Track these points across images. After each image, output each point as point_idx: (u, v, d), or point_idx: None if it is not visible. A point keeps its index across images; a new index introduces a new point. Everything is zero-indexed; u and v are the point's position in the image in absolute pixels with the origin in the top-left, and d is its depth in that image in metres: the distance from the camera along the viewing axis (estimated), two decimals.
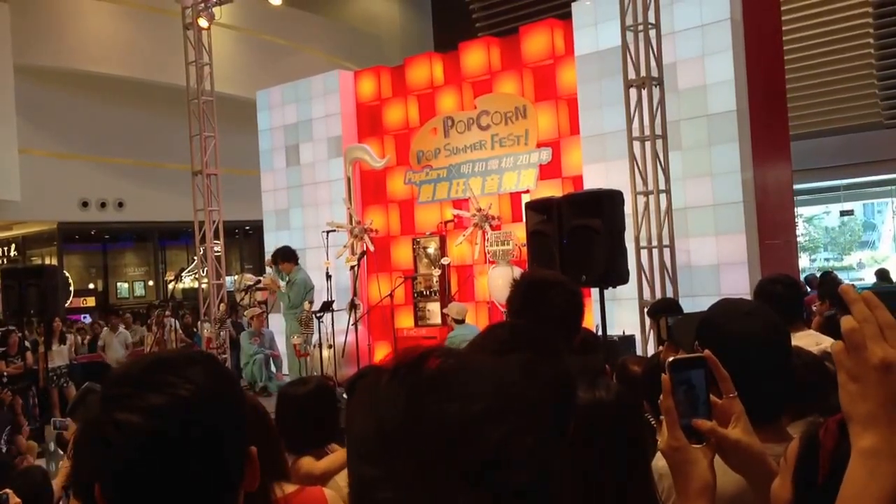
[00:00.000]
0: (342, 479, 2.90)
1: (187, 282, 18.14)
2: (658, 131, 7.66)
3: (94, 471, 1.06)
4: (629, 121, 7.75)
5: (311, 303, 10.25)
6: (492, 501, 0.71)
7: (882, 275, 11.54)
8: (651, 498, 1.81)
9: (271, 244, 12.03)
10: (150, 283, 20.20)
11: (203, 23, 11.06)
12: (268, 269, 11.59)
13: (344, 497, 2.59)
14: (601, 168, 9.01)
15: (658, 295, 7.49)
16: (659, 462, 2.01)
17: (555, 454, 0.78)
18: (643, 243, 7.69)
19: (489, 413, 0.74)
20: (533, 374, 0.87)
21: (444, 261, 10.47)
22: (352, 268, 10.95)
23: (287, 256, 10.38)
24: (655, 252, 7.67)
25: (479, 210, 10.04)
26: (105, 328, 13.21)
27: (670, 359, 1.49)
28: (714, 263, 8.45)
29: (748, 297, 6.21)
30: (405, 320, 10.95)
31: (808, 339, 3.47)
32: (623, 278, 6.66)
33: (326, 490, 2.54)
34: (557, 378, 1.37)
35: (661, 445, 1.45)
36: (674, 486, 1.46)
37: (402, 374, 0.78)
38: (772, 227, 8.77)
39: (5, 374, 9.77)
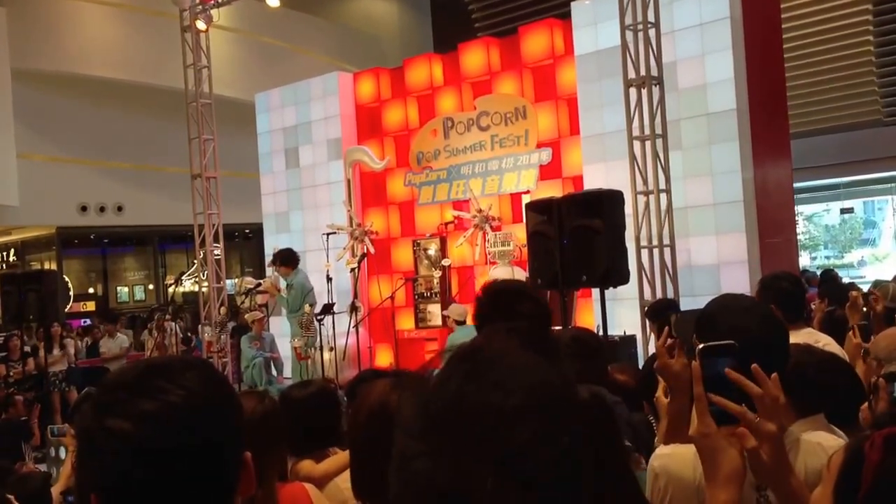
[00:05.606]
0: (343, 480, 2.88)
1: (187, 285, 18.12)
2: (658, 131, 7.64)
3: (91, 480, 1.04)
4: (629, 120, 7.74)
5: (311, 305, 10.17)
6: (517, 489, 0.77)
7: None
8: (634, 499, 1.80)
9: (271, 247, 12.00)
10: (150, 287, 20.16)
11: (201, 25, 11.03)
12: (268, 271, 11.56)
13: (343, 499, 2.57)
14: (601, 168, 8.99)
15: (659, 294, 7.47)
16: (655, 462, 2.00)
17: (583, 454, 0.83)
18: (644, 243, 7.67)
19: (525, 408, 0.80)
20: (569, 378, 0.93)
21: (445, 262, 10.45)
22: (352, 270, 10.93)
23: (285, 260, 10.13)
24: (656, 252, 7.65)
25: (480, 211, 10.02)
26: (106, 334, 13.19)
27: (700, 346, 1.48)
28: (714, 263, 8.43)
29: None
30: (406, 322, 10.93)
31: (808, 338, 3.46)
32: (624, 278, 6.66)
33: (309, 486, 2.53)
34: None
35: (691, 432, 1.44)
36: (703, 473, 1.46)
37: (458, 361, 0.86)
38: (772, 226, 8.75)
39: (12, 375, 9.76)
